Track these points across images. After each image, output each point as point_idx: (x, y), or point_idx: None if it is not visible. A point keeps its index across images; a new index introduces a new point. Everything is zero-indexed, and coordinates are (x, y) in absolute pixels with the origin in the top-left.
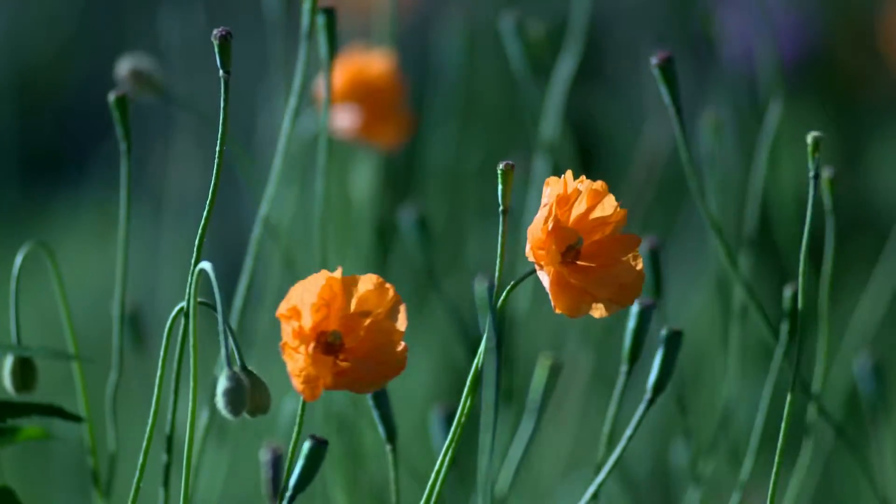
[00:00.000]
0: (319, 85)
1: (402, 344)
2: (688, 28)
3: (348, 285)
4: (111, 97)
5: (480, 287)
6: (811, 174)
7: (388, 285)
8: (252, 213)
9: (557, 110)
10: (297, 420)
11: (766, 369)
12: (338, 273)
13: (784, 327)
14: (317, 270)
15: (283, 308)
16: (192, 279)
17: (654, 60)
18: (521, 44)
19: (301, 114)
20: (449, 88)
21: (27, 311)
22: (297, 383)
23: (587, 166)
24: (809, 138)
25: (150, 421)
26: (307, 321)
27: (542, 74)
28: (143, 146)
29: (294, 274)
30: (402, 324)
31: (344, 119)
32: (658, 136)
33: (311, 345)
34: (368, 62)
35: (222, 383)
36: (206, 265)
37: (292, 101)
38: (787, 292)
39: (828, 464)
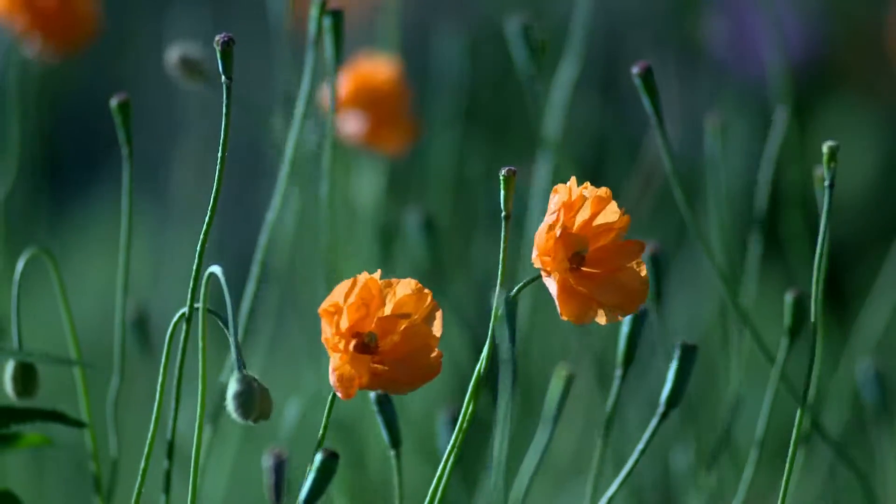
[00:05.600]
0: (325, 91)
1: (437, 350)
2: (697, 34)
3: (387, 288)
4: (113, 102)
5: (499, 298)
6: (826, 183)
7: (426, 291)
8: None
9: (560, 115)
10: (322, 424)
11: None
12: (377, 275)
13: (785, 337)
14: (323, 276)
15: (325, 305)
16: (193, 284)
17: (634, 70)
18: (525, 47)
19: (307, 119)
20: (451, 92)
21: (42, 318)
22: (333, 380)
23: (591, 171)
24: (825, 147)
25: (151, 427)
26: (345, 321)
27: (545, 78)
28: (156, 150)
29: (299, 278)
30: (437, 329)
31: (350, 125)
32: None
33: (349, 344)
34: (374, 69)
35: (233, 386)
36: (216, 269)
37: (300, 107)
38: (789, 298)
39: (833, 471)
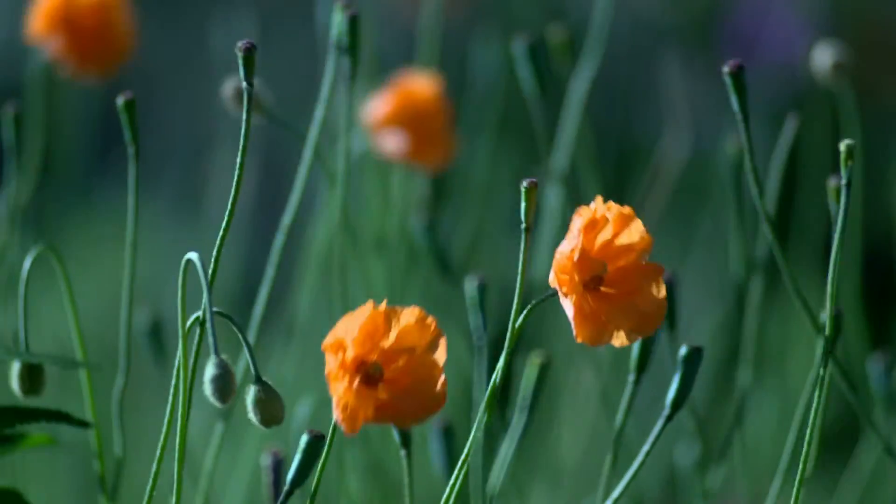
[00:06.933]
0: (373, 106)
1: (443, 378)
2: (706, 35)
3: (390, 318)
4: (119, 101)
5: (471, 286)
6: (843, 182)
7: (429, 319)
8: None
9: (576, 118)
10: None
11: (780, 377)
12: (382, 306)
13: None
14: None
15: (328, 339)
16: (207, 292)
17: (725, 69)
18: (536, 60)
19: (353, 132)
20: (484, 99)
21: (48, 316)
22: (337, 414)
23: (608, 176)
24: (842, 146)
25: (164, 429)
26: (349, 353)
27: (560, 84)
28: (193, 150)
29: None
30: (441, 357)
31: (390, 143)
32: (677, 145)
33: (353, 377)
34: (416, 86)
35: (209, 371)
36: (192, 256)
37: (318, 113)
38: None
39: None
